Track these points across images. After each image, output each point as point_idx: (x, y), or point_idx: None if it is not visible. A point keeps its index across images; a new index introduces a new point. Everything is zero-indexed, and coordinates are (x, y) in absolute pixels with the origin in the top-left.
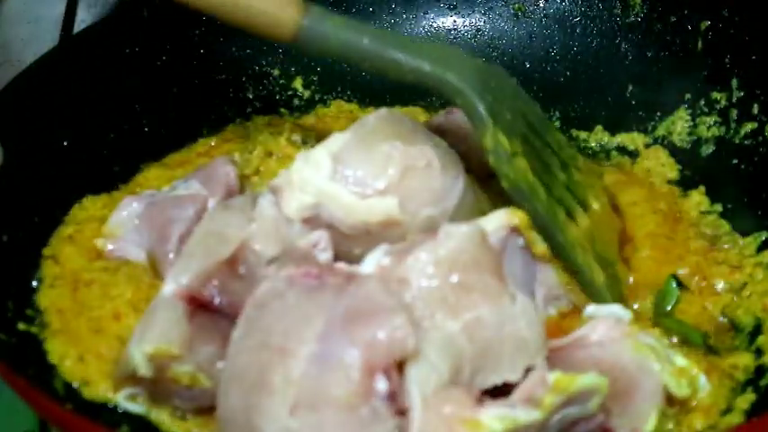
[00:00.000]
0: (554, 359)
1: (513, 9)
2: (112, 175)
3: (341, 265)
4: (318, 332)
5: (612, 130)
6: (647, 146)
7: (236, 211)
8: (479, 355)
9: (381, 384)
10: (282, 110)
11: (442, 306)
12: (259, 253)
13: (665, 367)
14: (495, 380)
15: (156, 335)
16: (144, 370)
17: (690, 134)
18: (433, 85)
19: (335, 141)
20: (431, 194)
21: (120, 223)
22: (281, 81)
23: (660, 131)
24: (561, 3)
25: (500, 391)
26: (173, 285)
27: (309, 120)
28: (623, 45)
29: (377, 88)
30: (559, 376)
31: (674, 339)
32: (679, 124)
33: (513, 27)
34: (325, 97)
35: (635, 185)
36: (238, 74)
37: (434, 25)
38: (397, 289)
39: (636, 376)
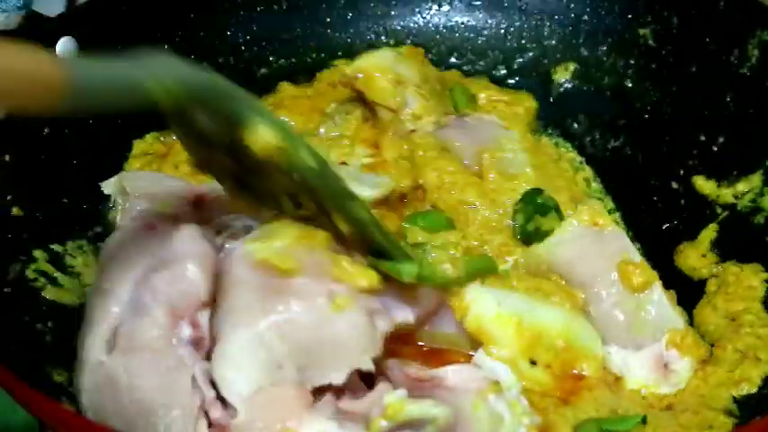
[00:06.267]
0: (415, 388)
1: (640, 33)
2: None
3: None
4: (136, 277)
5: (688, 173)
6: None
7: None
8: (300, 353)
9: (185, 330)
10: None
11: (254, 303)
12: None
13: None
14: (322, 379)
15: None
16: None
17: (753, 201)
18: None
19: None
20: None
21: None
22: None
23: (727, 190)
24: (681, 44)
25: None
26: None
27: None
28: (729, 95)
29: None
30: (395, 400)
31: None
32: (747, 187)
33: (633, 54)
34: None
35: None
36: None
37: None
38: (228, 272)
39: None
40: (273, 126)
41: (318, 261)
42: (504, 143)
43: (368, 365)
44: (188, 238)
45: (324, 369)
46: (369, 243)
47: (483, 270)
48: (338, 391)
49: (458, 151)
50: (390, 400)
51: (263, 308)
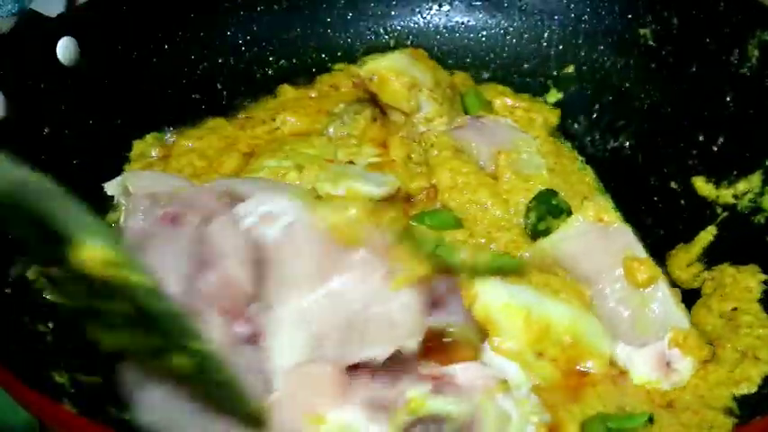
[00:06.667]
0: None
1: (640, 33)
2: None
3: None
4: (177, 279)
5: (687, 173)
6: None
7: None
8: (345, 326)
9: (241, 329)
10: None
11: (311, 271)
12: None
13: None
14: (362, 355)
15: None
16: None
17: (753, 201)
18: None
19: None
20: None
21: None
22: None
23: (727, 190)
24: (681, 44)
25: None
26: None
27: None
28: (729, 95)
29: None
30: (418, 395)
31: None
32: (747, 187)
33: (633, 54)
34: None
35: None
36: None
37: None
38: (285, 241)
39: None
40: (101, 239)
41: (382, 240)
42: (520, 145)
43: (413, 346)
44: (220, 233)
45: (365, 345)
46: (212, 381)
47: (506, 270)
48: (373, 373)
49: (473, 152)
50: (413, 394)
51: (321, 276)
